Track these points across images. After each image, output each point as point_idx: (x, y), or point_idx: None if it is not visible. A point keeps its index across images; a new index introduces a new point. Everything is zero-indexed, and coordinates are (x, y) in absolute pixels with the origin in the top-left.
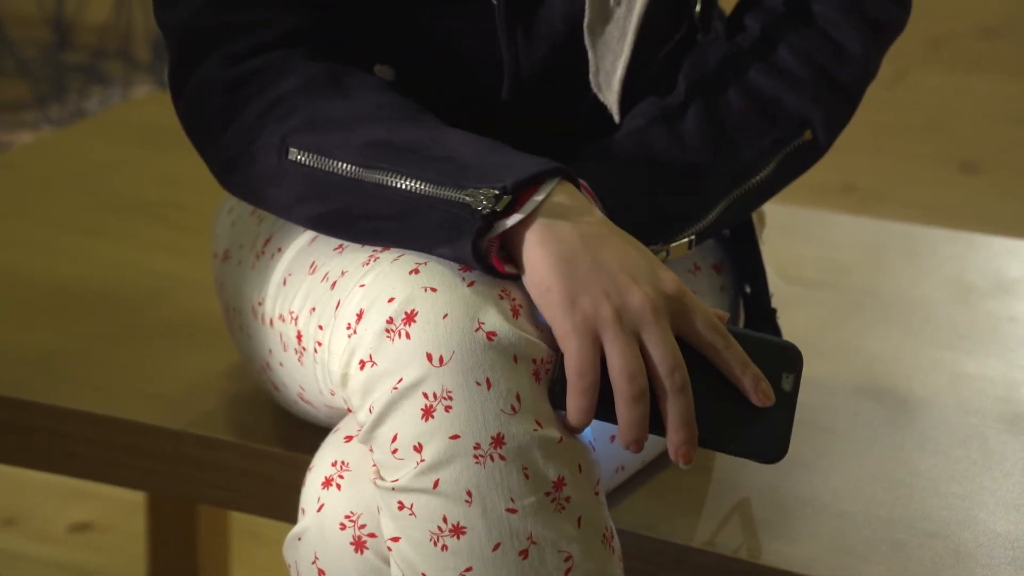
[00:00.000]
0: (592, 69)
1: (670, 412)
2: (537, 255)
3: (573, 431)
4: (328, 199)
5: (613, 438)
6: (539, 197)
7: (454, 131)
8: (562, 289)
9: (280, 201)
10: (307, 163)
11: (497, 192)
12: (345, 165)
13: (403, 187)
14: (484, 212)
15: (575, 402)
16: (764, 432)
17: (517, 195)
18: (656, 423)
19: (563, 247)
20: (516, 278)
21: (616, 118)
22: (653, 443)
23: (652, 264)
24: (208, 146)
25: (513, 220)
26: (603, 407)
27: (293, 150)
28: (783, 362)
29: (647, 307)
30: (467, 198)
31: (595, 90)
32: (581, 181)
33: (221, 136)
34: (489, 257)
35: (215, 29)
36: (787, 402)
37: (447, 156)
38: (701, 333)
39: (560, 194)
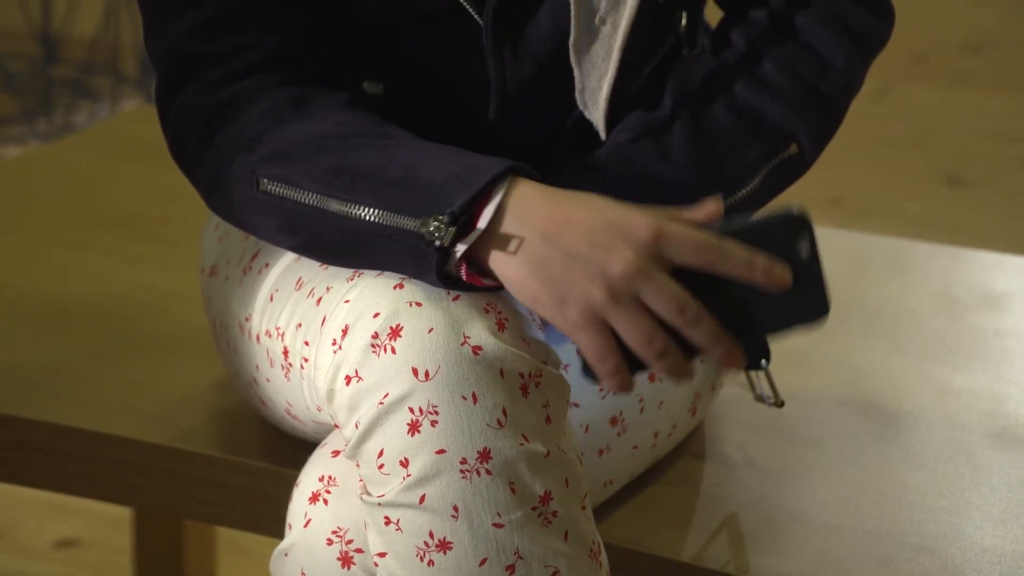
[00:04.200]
0: (578, 87)
1: (697, 342)
2: (509, 271)
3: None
4: (301, 229)
5: (601, 452)
6: (482, 224)
7: (408, 144)
8: (547, 294)
9: (260, 229)
10: (277, 193)
11: (446, 221)
12: (310, 195)
13: (363, 217)
14: (438, 245)
15: (609, 383)
16: (801, 301)
17: (470, 214)
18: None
19: (528, 253)
20: (497, 289)
21: (602, 135)
22: (640, 457)
23: (618, 220)
24: (192, 172)
25: (461, 250)
26: (638, 361)
27: (263, 181)
28: (792, 232)
29: (630, 270)
30: (422, 228)
31: (581, 107)
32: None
33: (200, 164)
34: (459, 279)
35: (196, 56)
36: (811, 265)
37: (400, 177)
38: (692, 259)
39: (511, 196)
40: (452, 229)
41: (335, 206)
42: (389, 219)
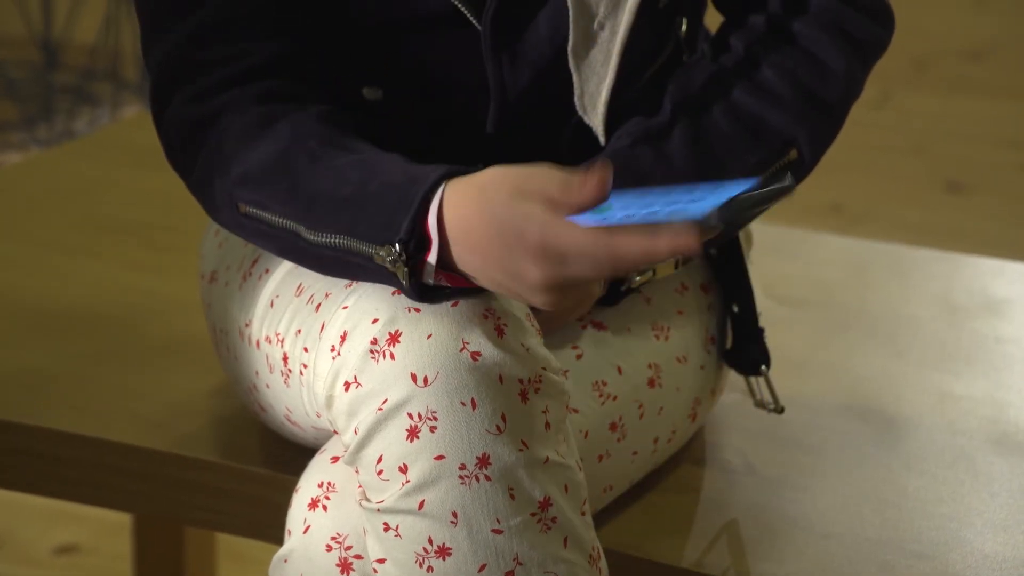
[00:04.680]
0: (577, 92)
1: (641, 269)
2: (480, 282)
3: None
4: (285, 249)
5: (601, 458)
6: (432, 258)
7: (361, 159)
8: (514, 294)
9: (252, 242)
10: (256, 215)
11: (398, 250)
12: (282, 219)
13: (328, 242)
14: (404, 280)
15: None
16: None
17: (419, 234)
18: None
19: (476, 274)
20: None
21: (602, 140)
22: (640, 463)
23: (509, 234)
24: (186, 181)
25: (430, 275)
26: None
27: (241, 204)
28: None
29: (540, 278)
30: (378, 259)
31: (580, 113)
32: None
33: (191, 176)
34: (443, 286)
35: (185, 66)
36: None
37: (350, 197)
38: (585, 274)
39: (444, 212)
40: (404, 268)
41: (304, 231)
42: (351, 244)
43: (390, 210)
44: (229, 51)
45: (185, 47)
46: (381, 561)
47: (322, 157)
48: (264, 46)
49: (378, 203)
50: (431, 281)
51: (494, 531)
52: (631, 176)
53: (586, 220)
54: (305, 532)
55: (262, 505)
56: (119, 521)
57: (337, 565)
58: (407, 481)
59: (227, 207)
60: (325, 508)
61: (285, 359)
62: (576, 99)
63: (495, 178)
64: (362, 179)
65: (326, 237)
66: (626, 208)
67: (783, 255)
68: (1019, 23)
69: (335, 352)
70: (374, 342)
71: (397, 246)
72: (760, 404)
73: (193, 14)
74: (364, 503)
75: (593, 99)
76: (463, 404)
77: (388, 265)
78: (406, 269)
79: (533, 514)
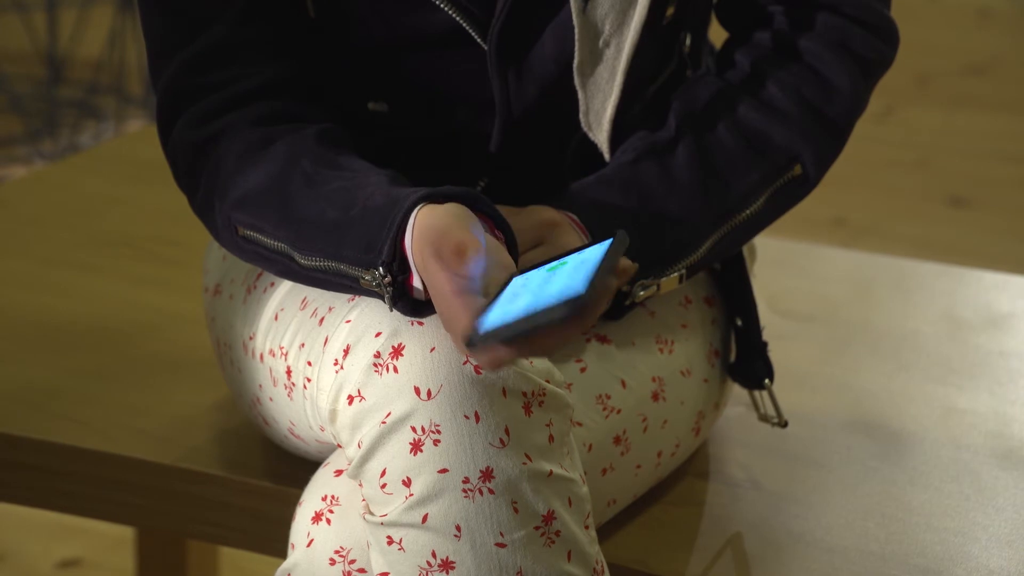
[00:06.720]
0: (582, 109)
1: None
2: None
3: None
4: (283, 271)
5: (605, 471)
6: (418, 283)
7: (348, 181)
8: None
9: (252, 263)
10: (253, 238)
11: (381, 273)
12: (277, 243)
13: (318, 265)
14: (388, 301)
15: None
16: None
17: (400, 255)
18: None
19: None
20: None
21: (607, 156)
22: (644, 477)
23: (430, 282)
24: (192, 205)
25: (418, 287)
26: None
27: (239, 227)
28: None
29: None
30: (364, 283)
31: (585, 129)
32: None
33: (194, 199)
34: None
35: (188, 90)
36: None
37: (336, 222)
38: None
39: (406, 234)
40: (389, 290)
41: (296, 255)
42: (338, 267)
43: (371, 233)
44: (229, 74)
45: (187, 72)
46: (385, 575)
47: (314, 180)
48: (264, 68)
49: (360, 227)
50: (421, 295)
51: (497, 545)
52: (635, 192)
53: (481, 318)
54: (309, 546)
55: (265, 518)
56: (122, 535)
57: None
58: (410, 495)
59: (226, 230)
60: (329, 521)
61: (289, 373)
62: (581, 115)
63: (432, 225)
64: (347, 203)
65: (315, 260)
66: (503, 310)
67: (786, 269)
68: (1020, 38)
69: (338, 366)
70: (377, 356)
71: (380, 269)
72: (764, 418)
73: (195, 40)
74: (368, 516)
75: (598, 116)
76: (466, 417)
77: (373, 288)
78: (391, 290)
79: (537, 528)
